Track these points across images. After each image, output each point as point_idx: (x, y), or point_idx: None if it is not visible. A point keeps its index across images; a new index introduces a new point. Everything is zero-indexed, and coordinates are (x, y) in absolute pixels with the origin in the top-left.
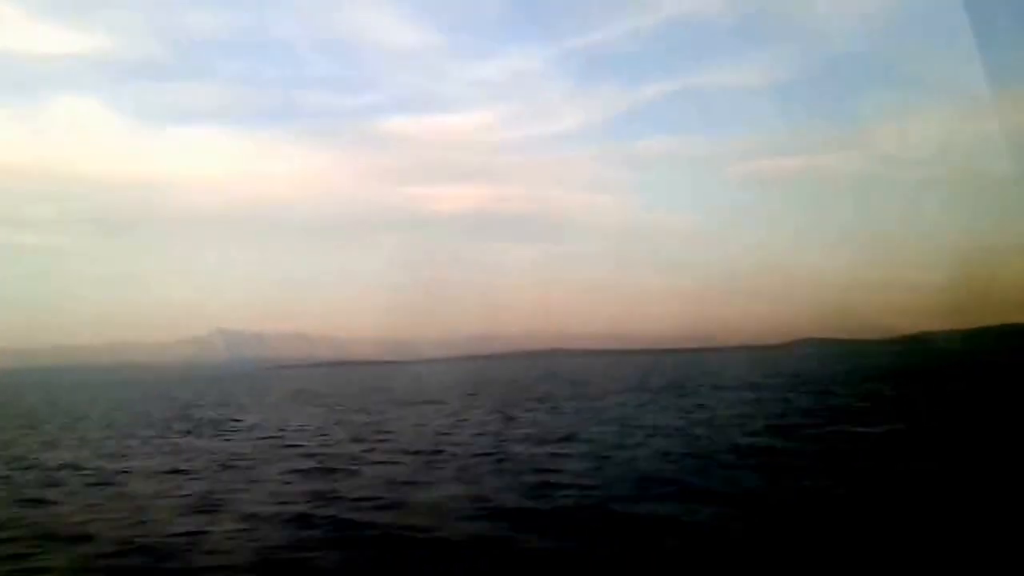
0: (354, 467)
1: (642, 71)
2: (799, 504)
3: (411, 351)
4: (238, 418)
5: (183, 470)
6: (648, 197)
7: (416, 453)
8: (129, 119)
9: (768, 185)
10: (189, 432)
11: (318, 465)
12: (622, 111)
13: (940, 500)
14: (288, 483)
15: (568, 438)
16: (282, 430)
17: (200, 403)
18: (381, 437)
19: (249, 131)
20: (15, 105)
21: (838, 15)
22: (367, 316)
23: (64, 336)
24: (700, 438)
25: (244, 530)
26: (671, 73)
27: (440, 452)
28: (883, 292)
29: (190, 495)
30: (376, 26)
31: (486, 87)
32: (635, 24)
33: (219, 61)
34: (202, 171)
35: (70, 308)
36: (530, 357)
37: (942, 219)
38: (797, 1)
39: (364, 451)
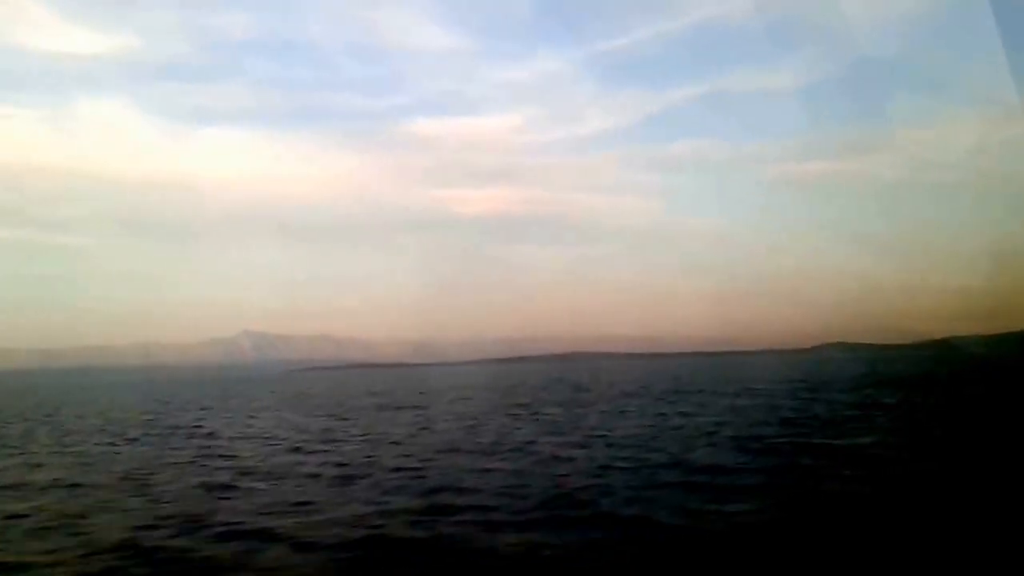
0: (261, 484)
1: (669, 74)
2: (698, 535)
3: (438, 353)
4: (201, 424)
5: (79, 484)
6: (675, 200)
7: (343, 466)
8: (158, 120)
9: (795, 189)
10: (136, 439)
11: (226, 480)
12: (649, 114)
13: (869, 524)
14: (171, 501)
15: (518, 449)
16: (235, 437)
17: (186, 406)
18: (326, 447)
19: (277, 132)
20: (44, 106)
21: (866, 19)
22: (394, 318)
23: (91, 336)
24: (655, 450)
25: (55, 564)
26: (698, 77)
27: (369, 465)
28: (911, 296)
29: (55, 515)
30: (405, 28)
31: (513, 90)
32: (662, 28)
33: (248, 62)
34: (230, 172)
35: (97, 308)
36: (556, 360)
37: (970, 223)
38: (824, 5)
39: (294, 463)
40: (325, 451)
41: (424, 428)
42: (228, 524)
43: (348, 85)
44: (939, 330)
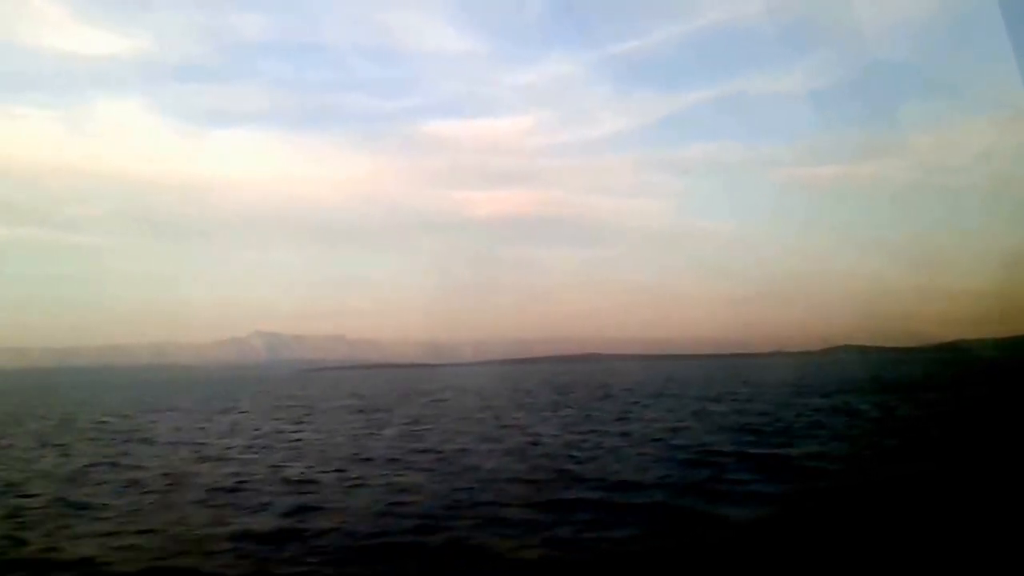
0: (123, 501)
1: (682, 77)
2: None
3: (452, 354)
4: (149, 427)
5: None
6: (688, 203)
7: (233, 476)
8: (172, 121)
9: (808, 192)
10: (64, 444)
11: (94, 495)
12: (662, 117)
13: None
14: (9, 519)
15: (444, 459)
16: (167, 443)
17: (156, 407)
18: (246, 455)
19: (291, 133)
20: (59, 106)
21: (878, 22)
22: (408, 319)
23: (106, 336)
24: (584, 461)
25: None
26: (711, 79)
27: (266, 479)
28: (923, 299)
29: None
30: (418, 31)
31: (527, 92)
32: (675, 30)
33: (263, 64)
34: (244, 173)
35: (112, 308)
36: (569, 361)
37: (981, 226)
38: (837, 9)
39: (192, 474)
40: (240, 459)
41: (371, 433)
42: (36, 550)
43: (361, 86)
44: (950, 333)
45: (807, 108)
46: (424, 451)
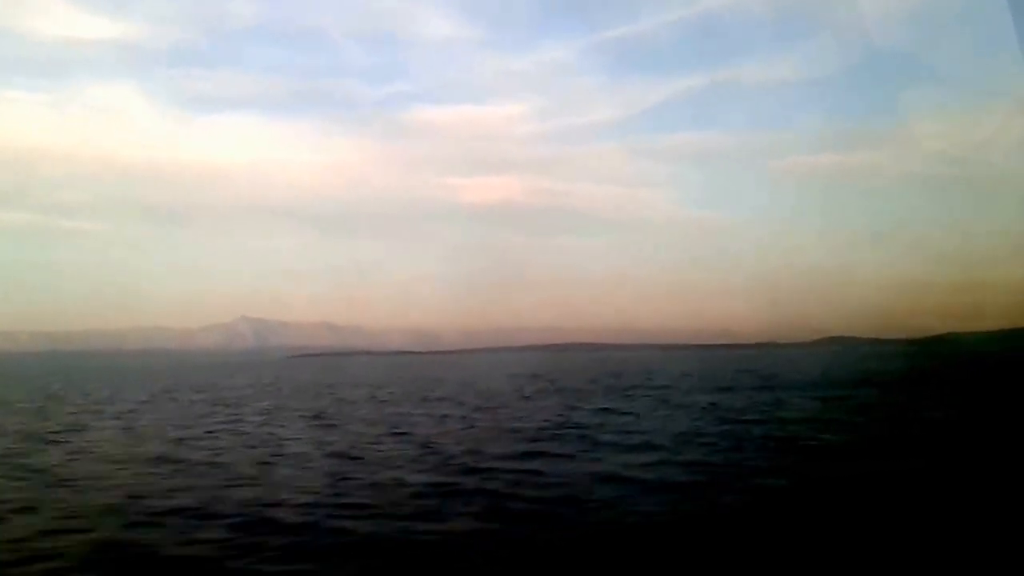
0: None
1: (676, 64)
2: None
3: (440, 342)
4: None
5: None
6: (680, 192)
7: None
8: (163, 106)
9: (803, 181)
10: None
11: None
12: (655, 104)
13: None
14: None
15: (216, 464)
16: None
17: (60, 392)
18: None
19: (281, 120)
20: (49, 90)
21: (877, 10)
22: (394, 306)
23: (95, 320)
24: (299, 478)
25: None
26: (706, 67)
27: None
28: (917, 291)
29: None
30: (411, 17)
31: (519, 79)
32: (670, 16)
33: (254, 49)
34: (233, 159)
35: (101, 292)
36: (554, 350)
37: (979, 219)
38: None
39: None
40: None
41: (235, 430)
42: None
43: (352, 73)
44: (941, 326)
45: (805, 96)
46: (162, 460)
